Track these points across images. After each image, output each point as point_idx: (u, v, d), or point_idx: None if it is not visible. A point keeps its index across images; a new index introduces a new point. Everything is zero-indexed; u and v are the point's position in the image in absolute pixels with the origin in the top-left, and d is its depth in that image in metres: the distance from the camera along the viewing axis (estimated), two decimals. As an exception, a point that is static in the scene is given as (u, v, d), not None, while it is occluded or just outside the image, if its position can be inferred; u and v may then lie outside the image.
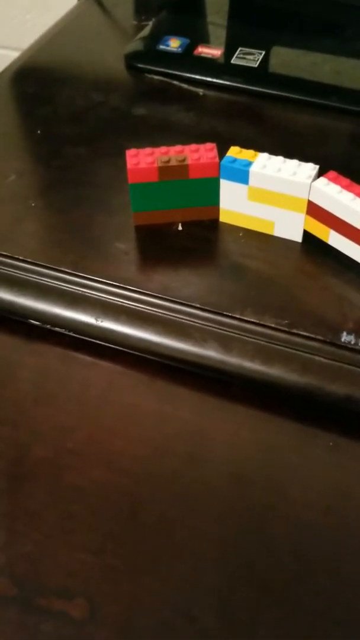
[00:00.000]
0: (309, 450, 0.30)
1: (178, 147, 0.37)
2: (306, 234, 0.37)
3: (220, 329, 0.33)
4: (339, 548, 0.27)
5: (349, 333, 0.32)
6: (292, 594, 0.26)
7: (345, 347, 0.32)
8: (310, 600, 0.26)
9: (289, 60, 0.51)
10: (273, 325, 0.33)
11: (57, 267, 0.36)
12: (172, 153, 0.36)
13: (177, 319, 0.34)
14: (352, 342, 0.32)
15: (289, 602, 0.26)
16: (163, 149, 0.37)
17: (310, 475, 0.29)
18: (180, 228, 0.39)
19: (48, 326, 0.35)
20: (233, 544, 0.27)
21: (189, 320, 0.34)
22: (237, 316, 0.33)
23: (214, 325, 0.33)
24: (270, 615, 0.25)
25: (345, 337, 0.32)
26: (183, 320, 0.34)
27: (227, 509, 0.28)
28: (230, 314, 0.34)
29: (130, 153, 0.36)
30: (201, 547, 0.27)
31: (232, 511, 0.28)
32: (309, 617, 0.25)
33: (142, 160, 0.36)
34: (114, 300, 0.35)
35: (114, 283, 0.35)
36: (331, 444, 0.30)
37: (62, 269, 0.36)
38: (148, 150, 0.37)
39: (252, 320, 0.33)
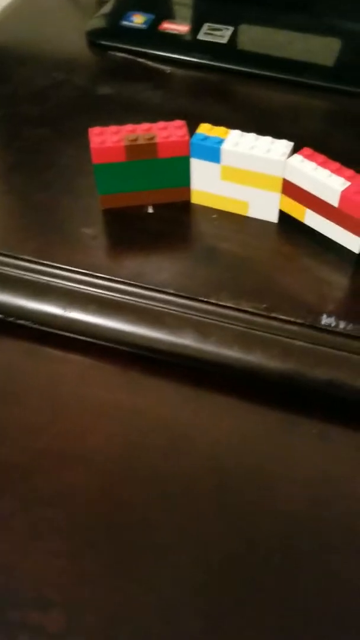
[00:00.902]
0: (294, 439, 0.29)
1: (145, 125, 0.34)
2: (282, 214, 0.36)
3: (196, 316, 0.32)
4: (329, 541, 0.26)
5: (329, 315, 0.31)
6: (281, 592, 0.25)
7: (326, 330, 0.30)
8: (300, 597, 0.24)
9: (258, 37, 0.50)
10: (251, 309, 0.31)
11: (19, 255, 0.34)
12: (140, 131, 0.34)
13: (150, 306, 0.32)
14: (333, 325, 0.31)
15: (278, 601, 0.24)
16: (129, 126, 0.34)
17: (296, 465, 0.28)
18: (150, 211, 0.37)
19: (12, 319, 0.33)
20: (217, 543, 0.26)
21: (162, 307, 0.32)
22: (213, 301, 0.32)
23: (189, 311, 0.32)
24: (259, 616, 0.24)
25: (325, 320, 0.31)
26: (156, 308, 0.32)
27: (209, 505, 0.27)
28: (206, 300, 0.32)
29: (93, 132, 0.34)
30: (184, 547, 0.26)
31: (215, 507, 0.27)
32: (300, 616, 0.24)
33: (107, 139, 0.34)
34: (81, 288, 0.33)
35: (81, 270, 0.33)
36: (314, 431, 0.29)
37: (25, 257, 0.34)
38: (113, 128, 0.34)
39: (229, 305, 0.32)
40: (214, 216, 0.36)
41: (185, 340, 0.31)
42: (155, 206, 0.37)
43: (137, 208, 0.37)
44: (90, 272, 0.33)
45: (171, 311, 0.32)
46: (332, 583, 0.25)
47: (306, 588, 0.25)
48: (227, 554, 0.26)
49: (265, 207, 0.35)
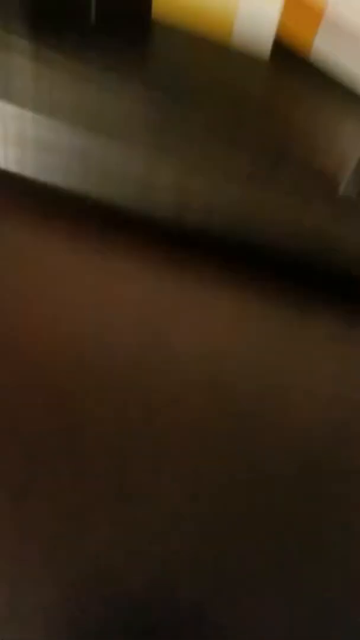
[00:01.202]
0: (303, 334, 0.23)
1: None
2: (278, 49, 0.26)
3: (170, 159, 0.23)
4: (350, 463, 0.21)
5: (347, 183, 0.24)
6: (302, 527, 0.20)
7: (342, 199, 0.24)
8: (325, 526, 0.20)
9: None
10: (246, 167, 0.23)
11: None
12: None
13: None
14: (352, 193, 0.24)
15: (302, 539, 0.20)
16: None
17: (305, 371, 0.22)
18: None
19: None
20: (215, 470, 0.20)
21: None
22: (193, 146, 0.23)
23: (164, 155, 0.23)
24: (268, 579, 0.19)
25: (342, 188, 0.24)
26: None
27: (205, 425, 0.20)
28: (181, 138, 0.23)
29: None
30: (163, 482, 0.19)
31: (212, 426, 0.20)
32: (324, 549, 0.20)
33: None
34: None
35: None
36: (323, 332, 0.23)
37: None
38: None
39: (216, 153, 0.23)
40: (183, 32, 0.26)
41: (157, 197, 0.22)
42: (100, 16, 0.25)
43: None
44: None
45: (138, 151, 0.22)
46: (355, 509, 0.21)
47: (330, 520, 0.20)
48: (222, 491, 0.20)
49: (259, 26, 0.26)
